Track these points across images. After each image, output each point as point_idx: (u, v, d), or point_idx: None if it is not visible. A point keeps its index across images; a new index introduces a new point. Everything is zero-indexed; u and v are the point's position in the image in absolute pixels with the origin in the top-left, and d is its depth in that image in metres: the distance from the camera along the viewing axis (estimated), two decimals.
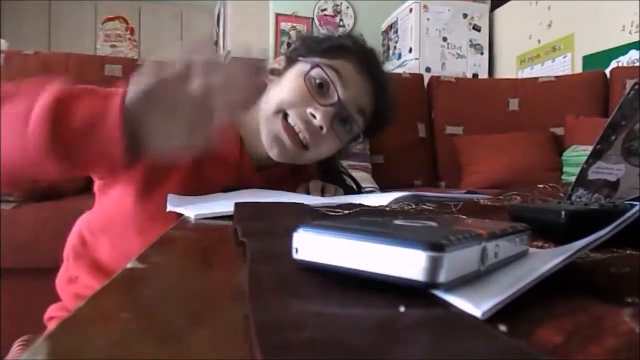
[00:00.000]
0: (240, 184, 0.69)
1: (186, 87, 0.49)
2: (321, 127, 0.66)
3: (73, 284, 0.75)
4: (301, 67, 0.69)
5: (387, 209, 0.52)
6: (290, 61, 0.72)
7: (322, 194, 0.70)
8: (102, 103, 0.49)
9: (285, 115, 0.67)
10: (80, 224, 0.76)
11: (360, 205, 0.53)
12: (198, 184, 0.65)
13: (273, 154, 0.69)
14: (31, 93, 0.49)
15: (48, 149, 0.47)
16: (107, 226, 0.70)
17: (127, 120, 0.48)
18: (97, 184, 0.70)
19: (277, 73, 0.73)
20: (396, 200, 0.56)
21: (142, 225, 0.64)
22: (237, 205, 0.43)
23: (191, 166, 0.66)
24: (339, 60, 0.69)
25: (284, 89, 0.68)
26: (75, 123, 0.48)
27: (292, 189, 0.73)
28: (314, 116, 0.66)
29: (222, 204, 0.49)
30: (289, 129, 0.67)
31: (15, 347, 0.78)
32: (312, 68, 0.67)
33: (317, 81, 0.67)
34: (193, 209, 0.47)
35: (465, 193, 0.75)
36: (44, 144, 0.46)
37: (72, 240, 0.76)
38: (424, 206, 0.55)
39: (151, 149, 0.51)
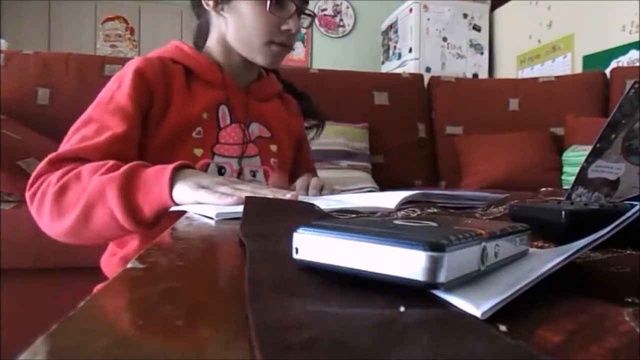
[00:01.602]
0: (230, 102, 0.86)
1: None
2: (297, 31, 0.86)
3: (118, 256, 0.84)
4: (252, 2, 0.83)
5: (395, 216, 0.52)
6: None
7: (321, 192, 0.78)
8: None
9: (271, 40, 0.84)
10: None
11: (370, 212, 0.53)
12: (193, 106, 0.82)
13: (274, 66, 0.89)
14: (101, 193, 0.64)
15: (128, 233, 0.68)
16: None
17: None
18: None
19: (221, 6, 0.86)
20: (405, 199, 0.56)
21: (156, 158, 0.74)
22: (247, 200, 0.43)
23: (184, 93, 0.83)
24: None
25: (256, 24, 0.83)
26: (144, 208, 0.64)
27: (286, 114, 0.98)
28: (290, 30, 0.84)
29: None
30: (283, 47, 0.85)
31: None
32: (271, 3, 0.81)
33: (277, 6, 0.82)
34: (208, 209, 0.48)
35: (470, 193, 0.76)
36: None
37: None
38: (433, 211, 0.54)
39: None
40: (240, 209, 0.45)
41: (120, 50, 3.71)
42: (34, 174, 0.71)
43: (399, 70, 3.53)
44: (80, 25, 5.18)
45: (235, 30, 0.85)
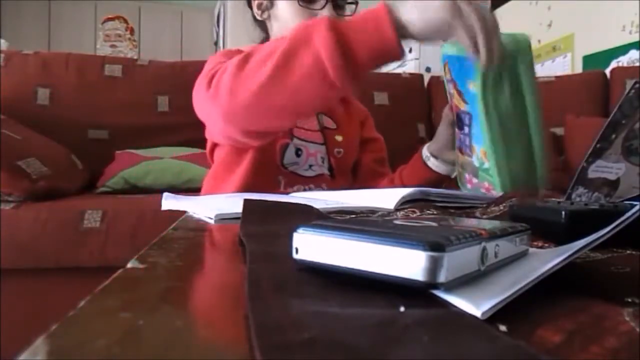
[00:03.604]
0: None
1: None
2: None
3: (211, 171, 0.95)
4: (287, 1, 0.91)
5: (395, 216, 0.52)
6: None
7: None
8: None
9: None
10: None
11: (369, 211, 0.53)
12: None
13: None
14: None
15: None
16: None
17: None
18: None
19: (267, 7, 0.97)
20: (403, 199, 0.56)
21: None
22: (245, 202, 0.43)
23: None
24: None
25: (293, 19, 0.89)
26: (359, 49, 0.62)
27: None
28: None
29: (237, 204, 0.50)
30: None
31: None
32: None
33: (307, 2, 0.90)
34: (208, 210, 0.47)
35: (469, 193, 0.76)
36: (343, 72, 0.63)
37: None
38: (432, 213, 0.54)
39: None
40: (240, 209, 0.45)
41: (120, 50, 3.70)
42: (207, 78, 0.72)
43: (399, 70, 3.53)
44: (80, 25, 5.18)
45: (279, 29, 0.95)
